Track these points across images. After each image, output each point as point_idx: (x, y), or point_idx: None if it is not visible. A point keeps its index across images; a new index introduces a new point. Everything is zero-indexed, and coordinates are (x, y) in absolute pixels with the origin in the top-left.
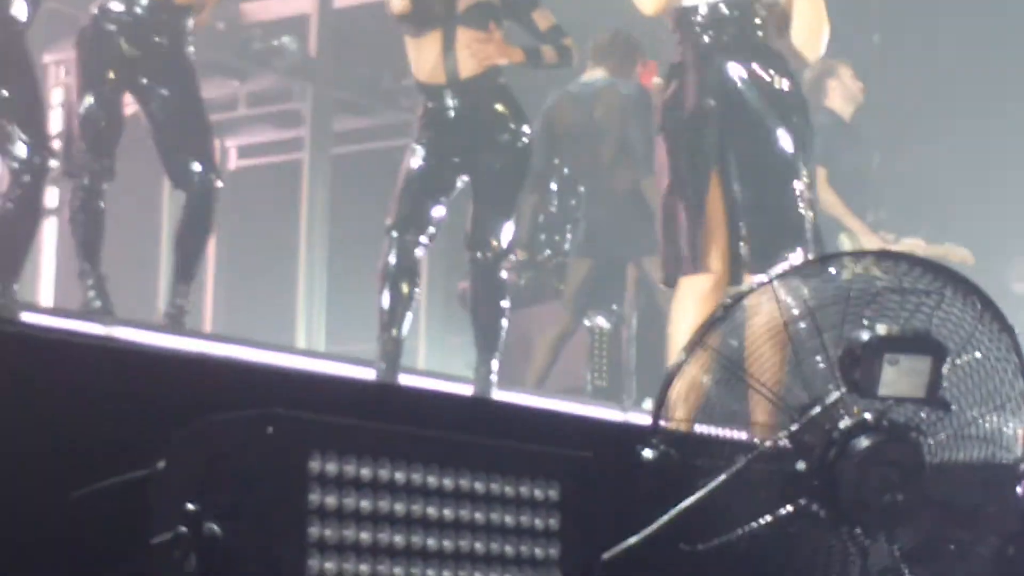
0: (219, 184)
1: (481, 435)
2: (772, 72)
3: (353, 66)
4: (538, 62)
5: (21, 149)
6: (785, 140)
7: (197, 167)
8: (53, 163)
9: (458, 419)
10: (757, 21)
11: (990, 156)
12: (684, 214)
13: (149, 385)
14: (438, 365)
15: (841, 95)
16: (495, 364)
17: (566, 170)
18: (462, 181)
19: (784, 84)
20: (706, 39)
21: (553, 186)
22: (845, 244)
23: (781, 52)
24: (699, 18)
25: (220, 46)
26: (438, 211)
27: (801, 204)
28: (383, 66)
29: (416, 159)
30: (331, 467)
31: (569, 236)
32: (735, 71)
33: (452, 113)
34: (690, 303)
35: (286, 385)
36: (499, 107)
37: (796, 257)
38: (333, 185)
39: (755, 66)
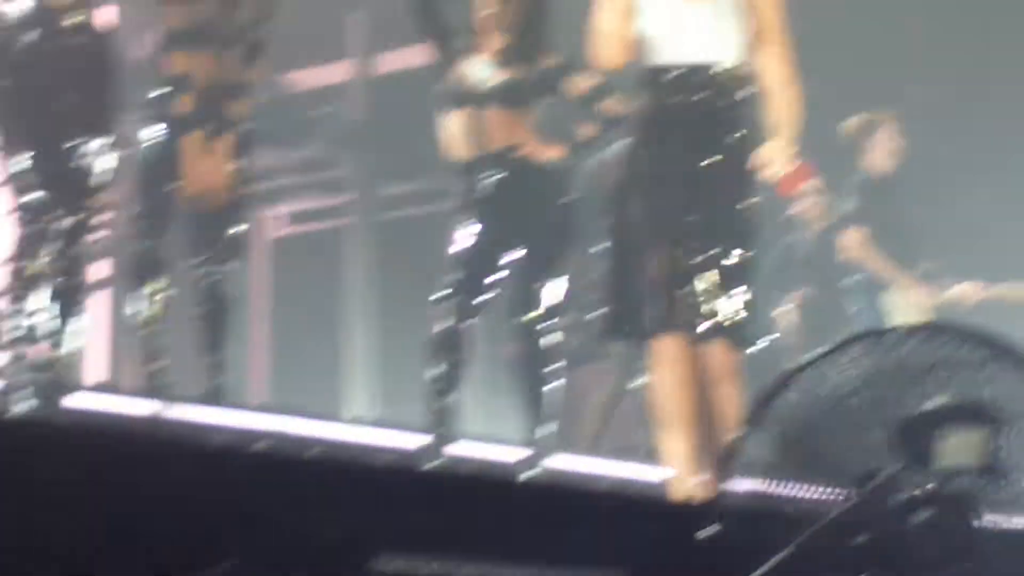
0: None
1: (542, 518)
2: (735, 135)
3: (396, 132)
4: (579, 151)
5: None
6: (739, 209)
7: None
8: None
9: (517, 504)
10: (724, 86)
11: None
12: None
13: (203, 477)
14: (489, 429)
15: (881, 151)
16: (545, 428)
17: (611, 230)
18: (508, 252)
19: (742, 148)
20: (670, 101)
21: (597, 247)
22: (897, 301)
23: (746, 114)
24: (665, 80)
25: (265, 115)
26: (488, 282)
27: (743, 277)
28: (426, 131)
29: (462, 234)
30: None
31: None
32: (697, 134)
33: (489, 189)
34: (667, 368)
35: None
36: (537, 175)
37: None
38: (379, 251)
39: (718, 129)
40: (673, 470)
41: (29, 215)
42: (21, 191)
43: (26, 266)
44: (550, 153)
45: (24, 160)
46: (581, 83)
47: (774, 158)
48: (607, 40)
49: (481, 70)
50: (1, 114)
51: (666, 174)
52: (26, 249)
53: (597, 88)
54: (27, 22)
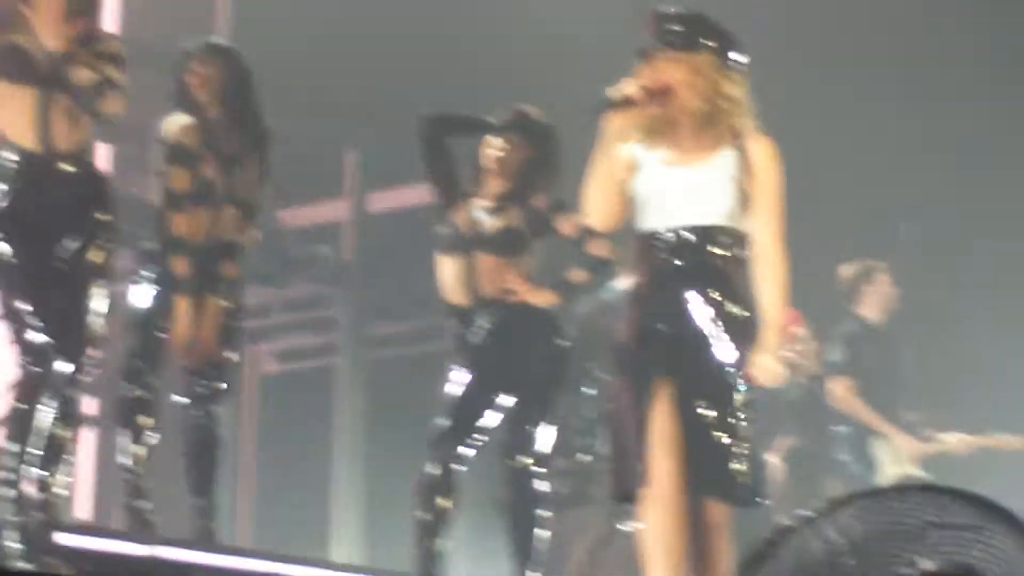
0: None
1: None
2: (726, 299)
3: (388, 271)
4: (570, 295)
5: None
6: (730, 371)
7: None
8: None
9: None
10: (717, 249)
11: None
12: (630, 431)
13: None
14: (476, 572)
15: (875, 301)
16: (532, 574)
17: (599, 374)
18: (500, 398)
19: (736, 311)
20: (665, 264)
21: (589, 391)
22: (881, 452)
23: (742, 277)
24: (660, 244)
25: (255, 253)
26: (479, 429)
27: (739, 439)
28: (418, 271)
29: (454, 381)
30: None
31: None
32: (690, 296)
33: (481, 333)
34: (649, 519)
35: None
36: (529, 320)
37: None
38: (369, 390)
39: (710, 291)
40: None
41: (30, 357)
42: (22, 333)
43: (26, 408)
44: (542, 298)
45: (26, 303)
46: (570, 225)
47: (763, 366)
48: (599, 202)
49: (478, 215)
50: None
51: (656, 334)
52: (26, 391)
53: (586, 230)
54: (29, 167)
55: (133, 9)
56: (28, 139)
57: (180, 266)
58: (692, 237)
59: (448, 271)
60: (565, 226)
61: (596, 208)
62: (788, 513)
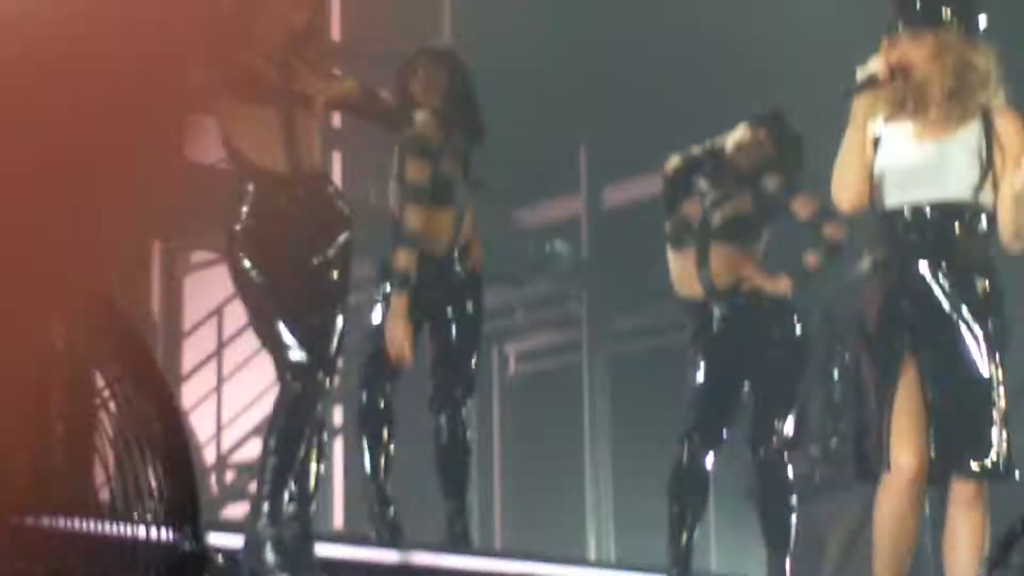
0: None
1: None
2: (970, 273)
3: (625, 265)
4: (805, 281)
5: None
6: (978, 345)
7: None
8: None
9: None
10: (958, 224)
11: None
12: (872, 410)
13: None
14: (730, 565)
15: None
16: (787, 563)
17: (847, 357)
18: (745, 386)
19: (981, 285)
20: (907, 241)
21: (836, 375)
22: None
23: (985, 252)
24: (902, 220)
25: (494, 254)
26: (726, 420)
27: (992, 413)
28: (655, 263)
29: (696, 374)
30: None
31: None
32: (932, 272)
33: (719, 324)
34: (884, 501)
35: None
36: (764, 309)
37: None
38: (613, 385)
39: (953, 267)
40: None
41: (291, 374)
42: (280, 351)
43: (287, 424)
44: (778, 285)
45: (281, 322)
46: (806, 208)
47: None
48: (848, 181)
49: (709, 205)
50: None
51: (900, 311)
52: (288, 407)
53: (820, 212)
54: (276, 189)
55: (353, 14)
56: (274, 160)
57: (403, 259)
58: (936, 213)
59: (679, 265)
60: (801, 210)
61: (845, 187)
62: None
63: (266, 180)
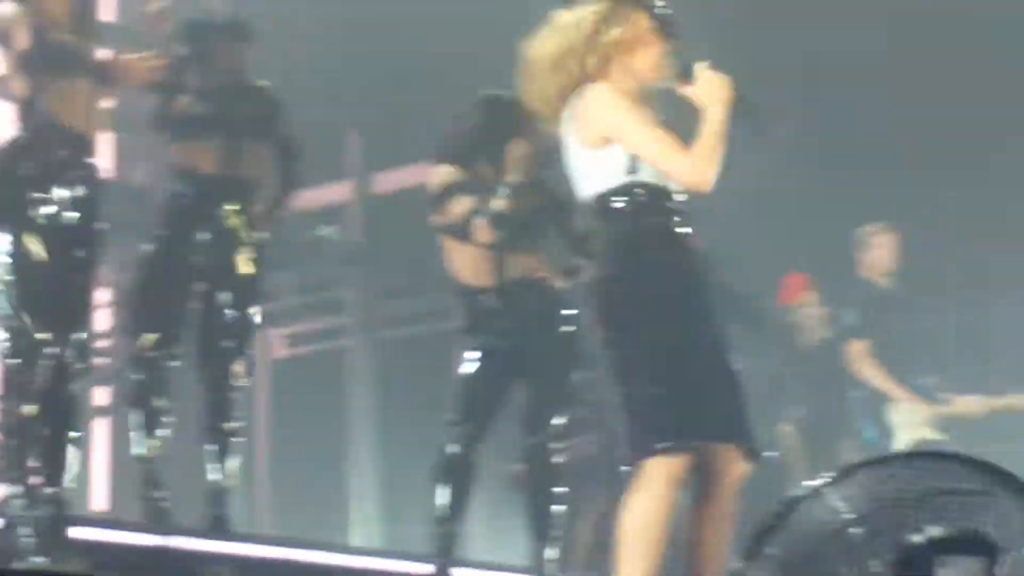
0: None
1: None
2: None
3: (395, 251)
4: (575, 275)
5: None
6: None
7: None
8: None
9: None
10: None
11: None
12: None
13: None
14: (493, 550)
15: (873, 267)
16: (551, 551)
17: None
18: (516, 376)
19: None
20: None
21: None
22: (896, 416)
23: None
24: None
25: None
26: (495, 410)
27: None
28: (425, 249)
29: (469, 363)
30: None
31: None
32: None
33: (493, 314)
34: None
35: None
36: (540, 300)
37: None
38: (380, 370)
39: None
40: None
41: (18, 341)
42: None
43: (19, 397)
44: (554, 278)
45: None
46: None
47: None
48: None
49: (494, 198)
50: None
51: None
52: (24, 385)
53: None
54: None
55: None
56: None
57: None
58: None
59: (460, 254)
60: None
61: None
62: (801, 481)
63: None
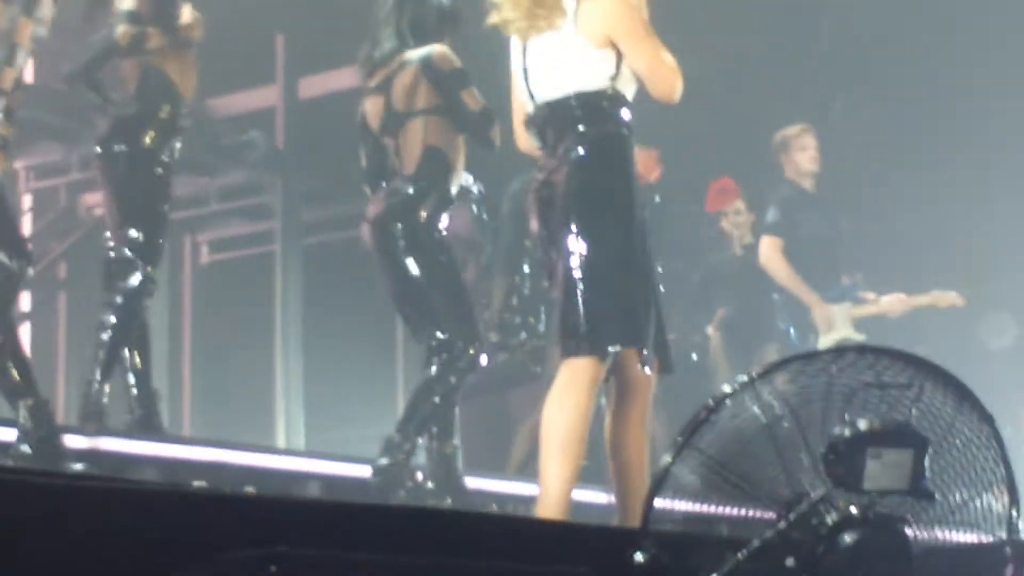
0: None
1: (475, 552)
2: None
3: (321, 157)
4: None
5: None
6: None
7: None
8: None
9: (451, 536)
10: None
11: (957, 210)
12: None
13: (145, 522)
14: None
15: (794, 169)
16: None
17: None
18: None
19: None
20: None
21: (526, 268)
22: (817, 316)
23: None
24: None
25: (188, 142)
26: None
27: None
28: (351, 155)
29: None
30: None
31: (544, 318)
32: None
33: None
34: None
35: (281, 514)
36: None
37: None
38: (306, 276)
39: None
40: (551, 490)
41: None
42: None
43: None
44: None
45: None
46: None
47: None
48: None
49: None
50: None
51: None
52: None
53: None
54: None
55: None
56: None
57: None
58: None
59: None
60: (468, 99)
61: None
62: (726, 382)
63: None
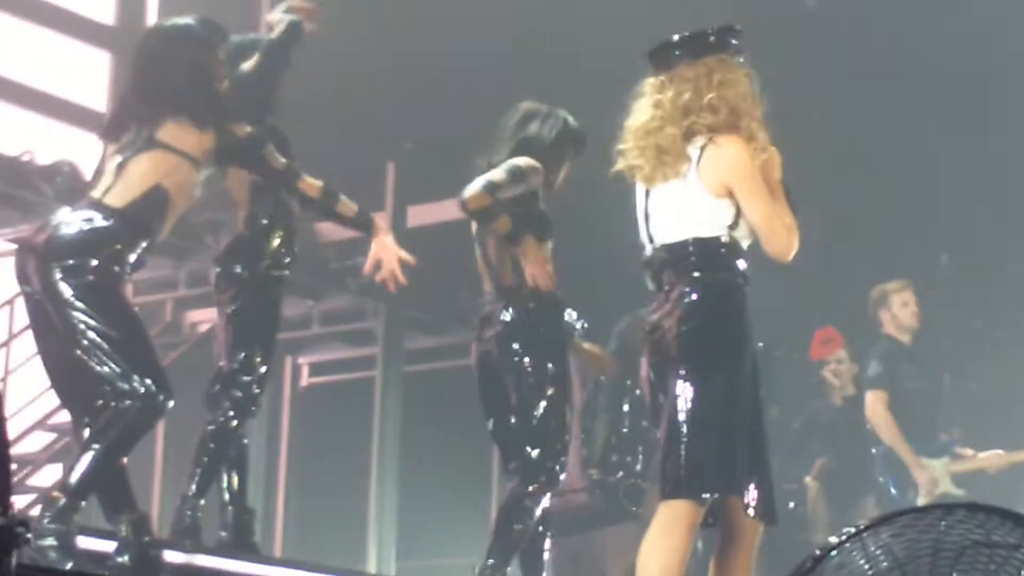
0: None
1: None
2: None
3: (426, 285)
4: None
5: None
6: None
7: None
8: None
9: None
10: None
11: None
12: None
13: None
14: None
15: (894, 324)
16: None
17: (638, 391)
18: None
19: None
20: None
21: (625, 407)
22: (917, 476)
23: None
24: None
25: (295, 266)
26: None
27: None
28: (456, 285)
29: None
30: None
31: (641, 457)
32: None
33: None
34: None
35: None
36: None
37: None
38: (405, 403)
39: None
40: None
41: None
42: None
43: None
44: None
45: None
46: None
47: None
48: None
49: None
50: None
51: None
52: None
53: None
54: None
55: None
56: None
57: None
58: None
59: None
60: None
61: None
62: (824, 534)
63: None
